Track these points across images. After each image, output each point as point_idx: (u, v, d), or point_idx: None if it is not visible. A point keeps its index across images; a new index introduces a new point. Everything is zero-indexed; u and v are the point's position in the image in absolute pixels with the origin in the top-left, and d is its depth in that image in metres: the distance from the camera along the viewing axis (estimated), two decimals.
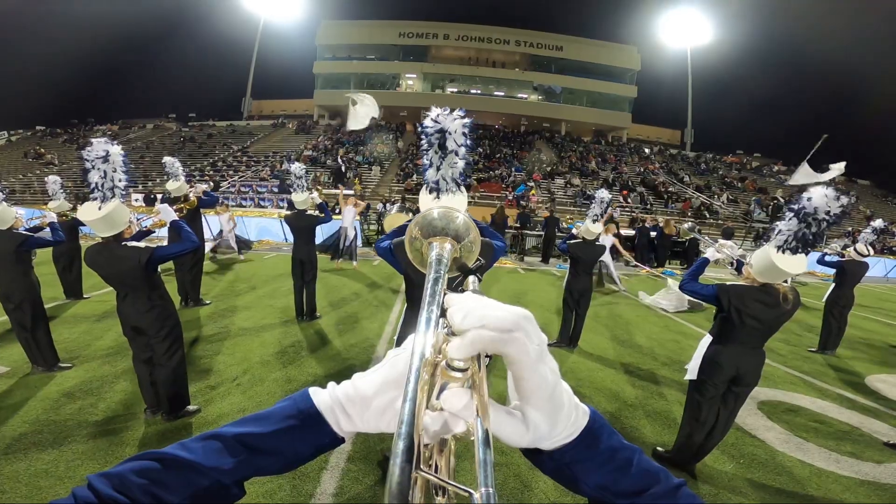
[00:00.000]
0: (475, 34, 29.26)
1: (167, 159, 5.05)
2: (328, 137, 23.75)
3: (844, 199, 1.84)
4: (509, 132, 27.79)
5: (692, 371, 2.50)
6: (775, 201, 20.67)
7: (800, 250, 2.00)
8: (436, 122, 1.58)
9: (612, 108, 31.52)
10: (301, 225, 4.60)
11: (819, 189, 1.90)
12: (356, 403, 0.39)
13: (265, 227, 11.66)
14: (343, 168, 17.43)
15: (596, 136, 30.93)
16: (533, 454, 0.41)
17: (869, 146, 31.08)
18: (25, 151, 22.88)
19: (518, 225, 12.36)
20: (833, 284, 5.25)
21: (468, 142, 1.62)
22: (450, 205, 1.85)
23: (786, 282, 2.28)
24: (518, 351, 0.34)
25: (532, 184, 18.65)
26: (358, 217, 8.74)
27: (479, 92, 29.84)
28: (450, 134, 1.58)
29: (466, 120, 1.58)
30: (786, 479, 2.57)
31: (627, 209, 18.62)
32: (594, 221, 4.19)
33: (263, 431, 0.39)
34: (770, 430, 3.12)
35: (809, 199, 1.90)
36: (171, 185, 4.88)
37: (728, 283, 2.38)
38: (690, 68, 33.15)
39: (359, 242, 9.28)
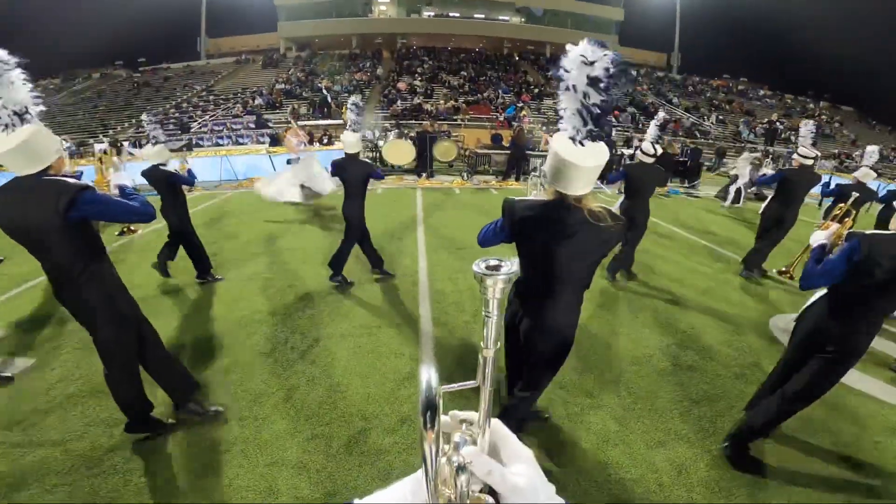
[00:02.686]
0: None
1: None
2: (300, 69, 21.96)
3: (611, 53, 1.23)
4: (492, 56, 26.22)
5: None
6: (771, 125, 20.57)
7: (594, 135, 1.36)
8: None
9: (597, 30, 29.95)
10: (156, 178, 3.94)
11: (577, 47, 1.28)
12: None
13: (253, 164, 10.91)
14: (329, 98, 16.31)
15: None
16: None
17: (853, 73, 30.69)
18: None
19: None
20: (621, 196, 4.41)
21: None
22: (20, 140, 1.52)
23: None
24: None
25: (521, 104, 17.94)
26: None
27: (458, 15, 27.50)
28: None
29: None
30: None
31: (619, 129, 18.39)
32: (353, 131, 3.70)
33: None
34: None
35: (566, 57, 1.29)
36: None
37: (519, 197, 1.71)
38: None
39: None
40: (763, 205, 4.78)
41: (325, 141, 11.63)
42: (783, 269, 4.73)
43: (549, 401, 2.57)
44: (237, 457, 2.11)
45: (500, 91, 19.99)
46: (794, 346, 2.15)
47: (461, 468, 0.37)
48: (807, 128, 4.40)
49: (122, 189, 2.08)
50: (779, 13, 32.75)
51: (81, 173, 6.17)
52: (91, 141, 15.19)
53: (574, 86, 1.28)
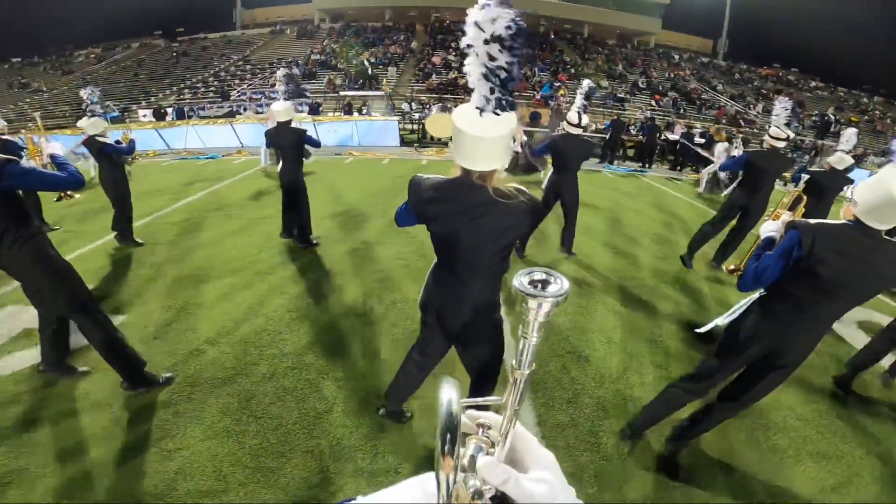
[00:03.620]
0: None
1: None
2: (334, 41, 21.76)
3: (512, 10, 1.12)
4: (528, 33, 25.34)
5: None
6: (825, 118, 19.45)
7: (503, 103, 1.21)
8: None
9: (640, 12, 28.63)
10: (92, 148, 3.99)
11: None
12: None
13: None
14: (370, 71, 16.20)
15: (620, 40, 28.39)
16: None
17: None
18: (9, 83, 21.45)
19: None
20: (551, 169, 4.06)
21: None
22: None
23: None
24: None
25: (559, 84, 17.37)
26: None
27: None
28: None
29: None
30: None
31: (660, 113, 17.65)
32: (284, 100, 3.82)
33: None
34: None
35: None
36: None
37: (426, 175, 1.52)
38: None
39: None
40: (728, 190, 4.36)
41: (364, 111, 11.58)
42: (732, 266, 4.17)
43: (623, 369, 2.63)
44: (340, 416, 2.15)
45: (535, 69, 19.38)
46: (725, 353, 1.80)
47: (478, 493, 0.33)
48: (781, 104, 3.86)
49: (53, 158, 2.11)
50: (835, 4, 30.34)
51: (23, 145, 6.35)
52: (134, 107, 15.61)
53: (478, 49, 1.15)
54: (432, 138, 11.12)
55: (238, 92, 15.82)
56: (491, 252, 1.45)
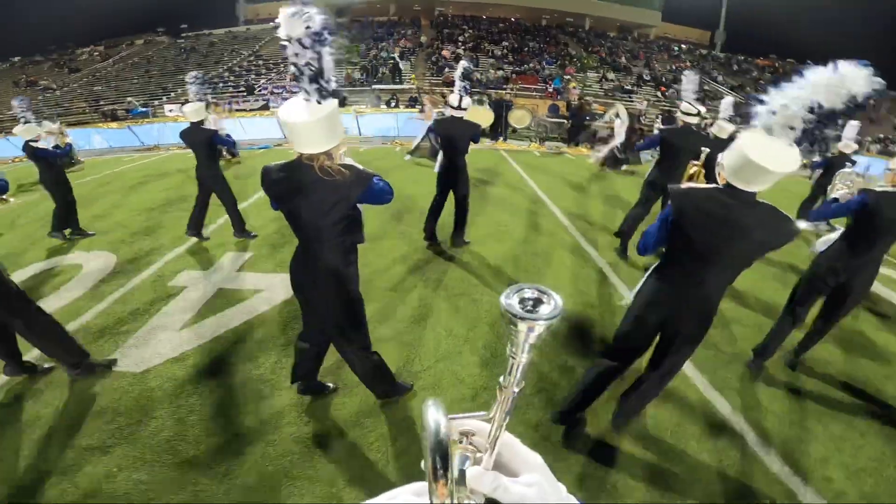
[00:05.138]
0: None
1: None
2: (342, 36, 21.98)
3: (310, 9, 1.23)
4: (531, 27, 25.74)
5: None
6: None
7: (323, 94, 1.36)
8: None
9: (639, 5, 29.05)
10: (28, 153, 4.14)
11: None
12: None
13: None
14: (400, 65, 16.62)
15: (621, 33, 28.82)
16: None
17: None
18: (15, 81, 21.32)
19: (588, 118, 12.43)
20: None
21: None
22: None
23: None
24: None
25: (568, 77, 17.80)
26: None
27: None
28: None
29: None
30: None
31: (667, 105, 18.08)
32: (198, 101, 3.92)
33: None
34: None
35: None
36: None
37: (275, 162, 1.66)
38: None
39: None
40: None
41: (393, 104, 12.00)
42: None
43: None
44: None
45: (543, 63, 19.78)
46: (630, 320, 1.79)
47: None
48: (689, 79, 3.75)
49: None
50: None
51: None
52: (156, 102, 15.82)
53: (287, 48, 1.28)
54: None
55: (259, 87, 16.08)
56: (328, 225, 1.58)
